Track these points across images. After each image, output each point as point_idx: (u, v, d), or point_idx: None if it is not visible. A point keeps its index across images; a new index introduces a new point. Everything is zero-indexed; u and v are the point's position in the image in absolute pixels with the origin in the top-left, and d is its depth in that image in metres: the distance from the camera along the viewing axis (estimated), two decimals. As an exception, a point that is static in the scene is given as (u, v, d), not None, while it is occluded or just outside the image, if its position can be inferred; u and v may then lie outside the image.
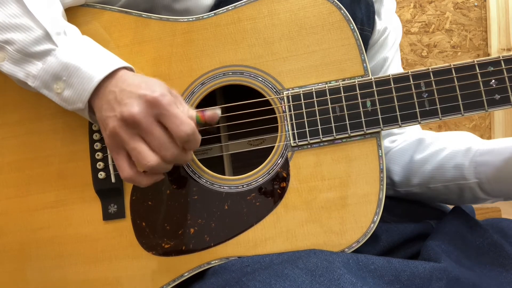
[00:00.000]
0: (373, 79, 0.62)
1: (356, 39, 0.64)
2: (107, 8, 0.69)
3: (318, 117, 0.63)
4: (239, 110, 0.67)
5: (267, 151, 0.65)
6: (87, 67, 0.58)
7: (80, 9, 0.69)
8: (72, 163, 0.68)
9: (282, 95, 0.65)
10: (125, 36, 0.68)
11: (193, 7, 0.73)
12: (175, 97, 0.58)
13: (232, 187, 0.65)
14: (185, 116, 0.56)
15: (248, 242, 0.63)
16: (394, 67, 0.88)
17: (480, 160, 0.71)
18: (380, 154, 0.62)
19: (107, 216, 0.67)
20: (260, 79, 0.66)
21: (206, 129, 0.62)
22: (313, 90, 0.64)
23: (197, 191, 0.65)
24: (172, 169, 0.66)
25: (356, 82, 0.63)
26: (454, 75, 0.61)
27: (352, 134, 0.63)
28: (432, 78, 0.61)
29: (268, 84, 0.66)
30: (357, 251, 0.61)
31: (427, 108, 0.61)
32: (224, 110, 0.72)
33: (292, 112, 0.64)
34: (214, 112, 0.59)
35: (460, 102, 0.60)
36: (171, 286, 0.64)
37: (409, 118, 0.62)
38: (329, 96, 0.63)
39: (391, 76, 0.62)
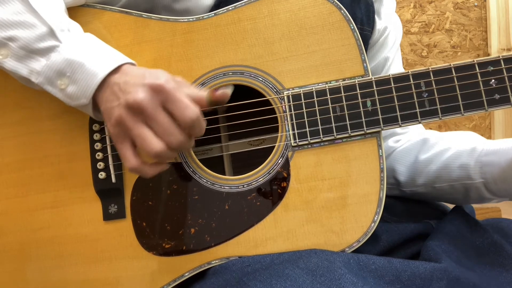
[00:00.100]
0: (373, 79, 0.63)
1: (356, 39, 0.64)
2: (107, 8, 0.69)
3: (318, 117, 0.63)
4: (240, 110, 0.67)
5: (267, 151, 0.65)
6: (91, 63, 0.58)
7: (80, 9, 0.69)
8: (72, 163, 0.68)
9: (282, 95, 0.65)
10: (125, 36, 0.68)
11: (193, 7, 0.73)
12: (180, 82, 0.59)
13: (232, 187, 0.65)
14: (190, 101, 0.56)
15: (248, 242, 0.63)
16: (395, 67, 0.88)
17: (486, 160, 0.71)
18: (381, 154, 0.62)
19: (108, 216, 0.67)
20: (260, 79, 0.66)
21: (206, 129, 0.62)
22: (314, 90, 0.64)
23: (198, 191, 0.65)
24: (172, 169, 0.66)
25: (356, 82, 0.63)
26: (454, 74, 0.61)
27: (352, 134, 0.63)
28: (432, 78, 0.61)
29: (268, 84, 0.66)
30: (357, 251, 0.61)
31: (427, 108, 0.61)
32: (224, 110, 0.72)
33: (293, 112, 0.64)
34: (225, 90, 0.60)
35: (460, 102, 0.61)
36: (171, 286, 0.64)
37: (409, 118, 0.62)
38: (330, 96, 0.63)
39: (391, 76, 0.62)
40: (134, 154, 0.58)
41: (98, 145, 0.67)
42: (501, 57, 0.60)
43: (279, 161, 0.64)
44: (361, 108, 0.63)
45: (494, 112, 2.01)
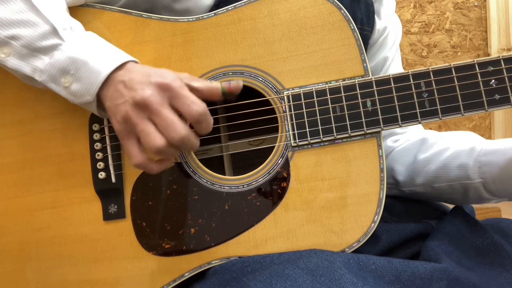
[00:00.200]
0: (373, 79, 0.62)
1: (356, 39, 0.64)
2: (106, 8, 0.69)
3: (318, 117, 0.63)
4: (239, 110, 0.67)
5: (267, 151, 0.65)
6: (95, 61, 0.59)
7: (80, 9, 0.69)
8: (72, 163, 0.68)
9: (282, 95, 0.65)
10: (125, 36, 0.68)
11: (193, 7, 0.73)
12: (189, 77, 0.60)
13: (232, 187, 0.65)
14: (196, 97, 0.57)
15: (248, 242, 0.63)
16: (395, 67, 0.88)
17: (484, 160, 0.71)
18: (381, 154, 0.62)
19: (107, 216, 0.67)
20: (260, 79, 0.66)
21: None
22: (314, 90, 0.64)
23: (198, 191, 0.65)
24: (172, 169, 0.66)
25: (356, 82, 0.63)
26: (454, 75, 0.61)
27: (352, 134, 0.63)
28: (432, 78, 0.61)
29: (268, 84, 0.66)
30: (357, 251, 0.61)
31: (427, 108, 0.61)
32: (224, 110, 0.72)
33: (293, 112, 0.64)
34: (238, 82, 0.63)
35: (460, 102, 0.60)
36: (171, 286, 0.64)
37: (409, 118, 0.62)
38: (330, 96, 0.63)
39: (391, 76, 0.62)
40: (140, 150, 0.58)
41: (98, 145, 0.67)
42: (501, 57, 0.60)
43: (279, 161, 0.64)
44: (361, 108, 0.63)
45: (494, 112, 2.01)
